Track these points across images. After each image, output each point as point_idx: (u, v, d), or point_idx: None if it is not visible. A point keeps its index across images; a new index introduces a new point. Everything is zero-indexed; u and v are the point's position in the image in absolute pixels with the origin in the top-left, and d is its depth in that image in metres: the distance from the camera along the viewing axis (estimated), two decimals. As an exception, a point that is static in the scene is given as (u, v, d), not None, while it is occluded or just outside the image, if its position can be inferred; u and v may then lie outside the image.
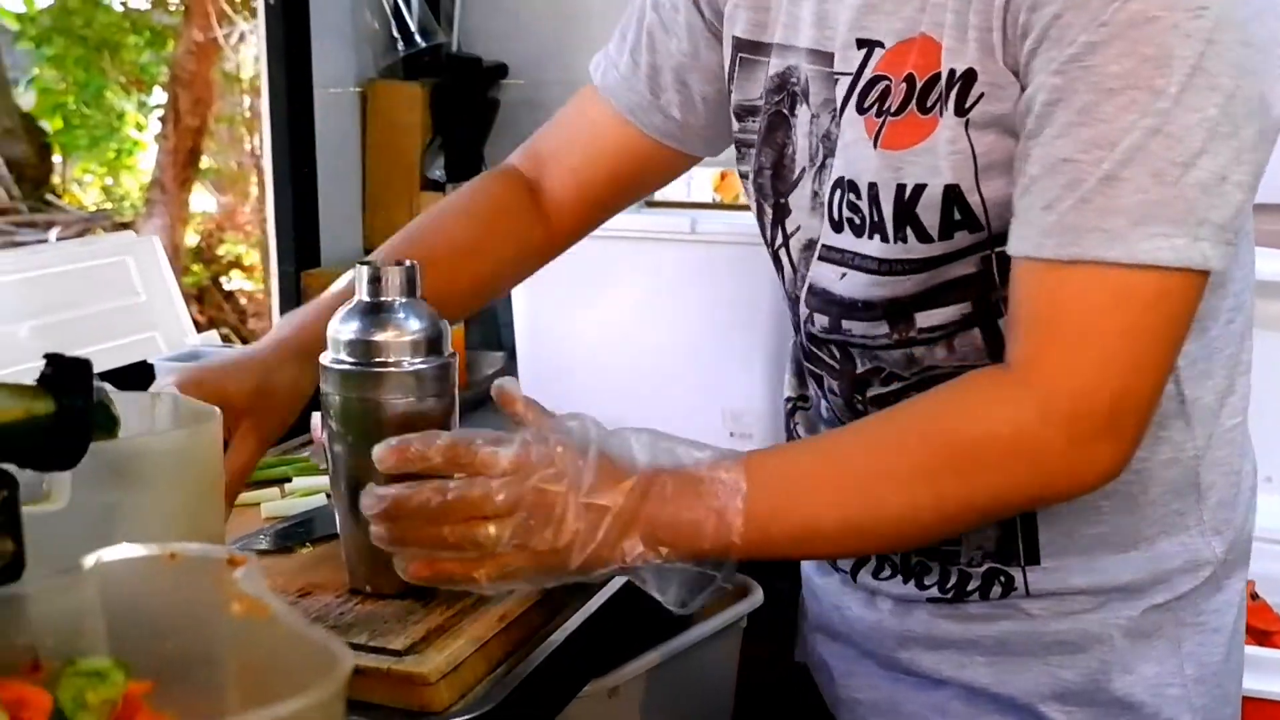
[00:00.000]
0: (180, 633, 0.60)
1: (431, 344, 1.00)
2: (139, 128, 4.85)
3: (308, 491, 1.33)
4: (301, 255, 1.93)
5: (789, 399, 1.15)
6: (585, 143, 1.18)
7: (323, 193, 1.98)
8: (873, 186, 0.92)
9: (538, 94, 2.21)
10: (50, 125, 4.68)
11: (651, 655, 1.42)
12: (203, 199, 4.79)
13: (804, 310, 1.02)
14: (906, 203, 0.91)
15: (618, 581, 1.20)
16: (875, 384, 0.99)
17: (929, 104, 0.89)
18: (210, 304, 4.50)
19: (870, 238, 0.94)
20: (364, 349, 0.99)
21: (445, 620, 1.00)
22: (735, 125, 1.06)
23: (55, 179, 4.79)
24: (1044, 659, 1.01)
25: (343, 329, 1.00)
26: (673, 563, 0.87)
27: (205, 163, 4.68)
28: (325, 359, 1.00)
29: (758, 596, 1.60)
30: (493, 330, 2.21)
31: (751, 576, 1.65)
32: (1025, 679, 1.01)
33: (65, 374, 0.65)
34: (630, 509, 0.85)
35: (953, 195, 0.89)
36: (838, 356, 1.01)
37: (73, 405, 0.64)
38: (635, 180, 1.19)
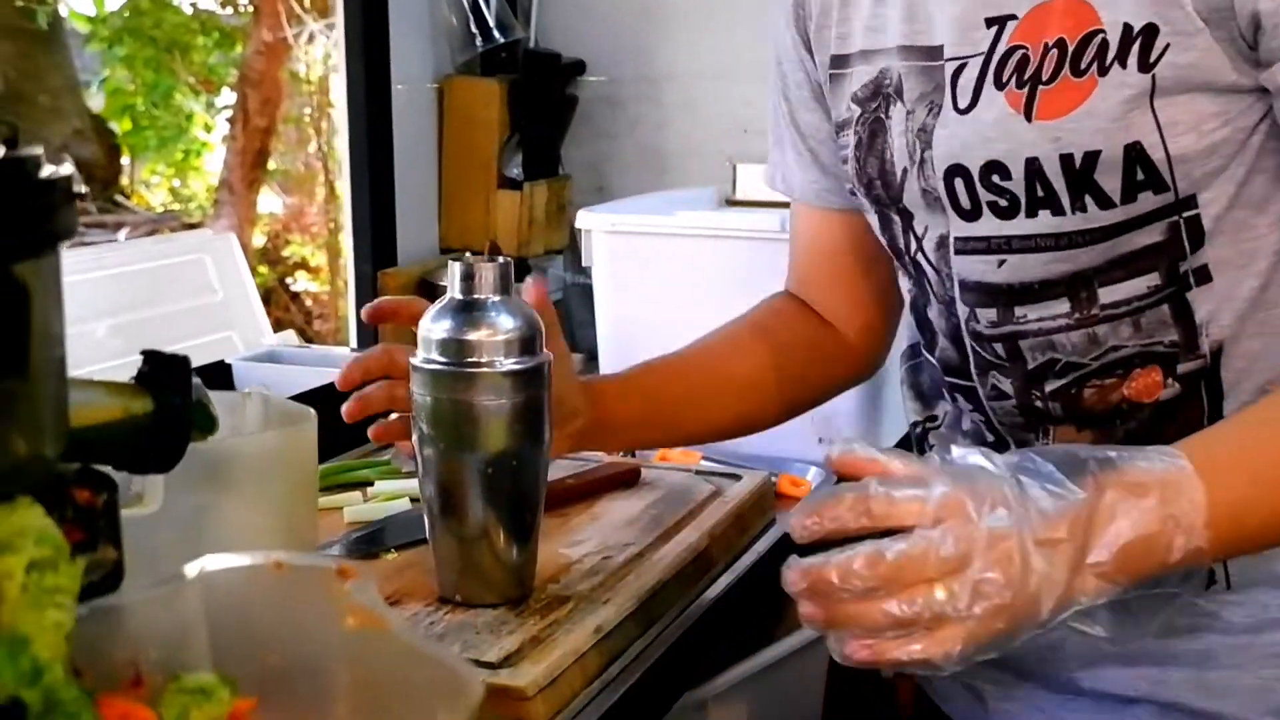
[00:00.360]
0: (287, 646, 0.57)
1: (525, 344, 0.96)
2: (207, 129, 4.89)
3: (390, 496, 1.30)
4: (378, 254, 1.90)
5: (915, 423, 1.10)
6: (819, 253, 1.17)
7: (399, 191, 1.96)
8: (1032, 162, 0.88)
9: (617, 91, 2.17)
10: (119, 126, 4.73)
11: (742, 667, 1.37)
12: (269, 200, 4.82)
13: (962, 309, 0.96)
14: (1079, 170, 0.86)
15: (716, 590, 1.16)
16: (1050, 377, 0.94)
17: (1083, 65, 0.85)
18: (277, 305, 4.52)
19: (1033, 215, 0.89)
20: (456, 348, 0.95)
21: (540, 631, 0.97)
22: (836, 143, 1.04)
23: (124, 180, 4.84)
24: (1256, 673, 0.94)
25: (434, 328, 0.96)
26: (1129, 590, 0.77)
27: (272, 164, 4.70)
28: (415, 359, 0.97)
29: (847, 607, 1.55)
30: (566, 332, 2.17)
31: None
32: (1235, 695, 0.94)
33: (163, 371, 0.61)
34: (1081, 538, 0.74)
35: (1134, 154, 0.85)
36: (1003, 354, 0.96)
37: (171, 404, 0.61)
38: (883, 254, 1.12)
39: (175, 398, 0.61)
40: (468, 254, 0.99)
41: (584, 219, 1.67)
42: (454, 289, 0.97)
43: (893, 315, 1.18)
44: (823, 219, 1.14)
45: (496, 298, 0.96)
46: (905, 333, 1.11)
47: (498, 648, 0.94)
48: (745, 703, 1.40)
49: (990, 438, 1.00)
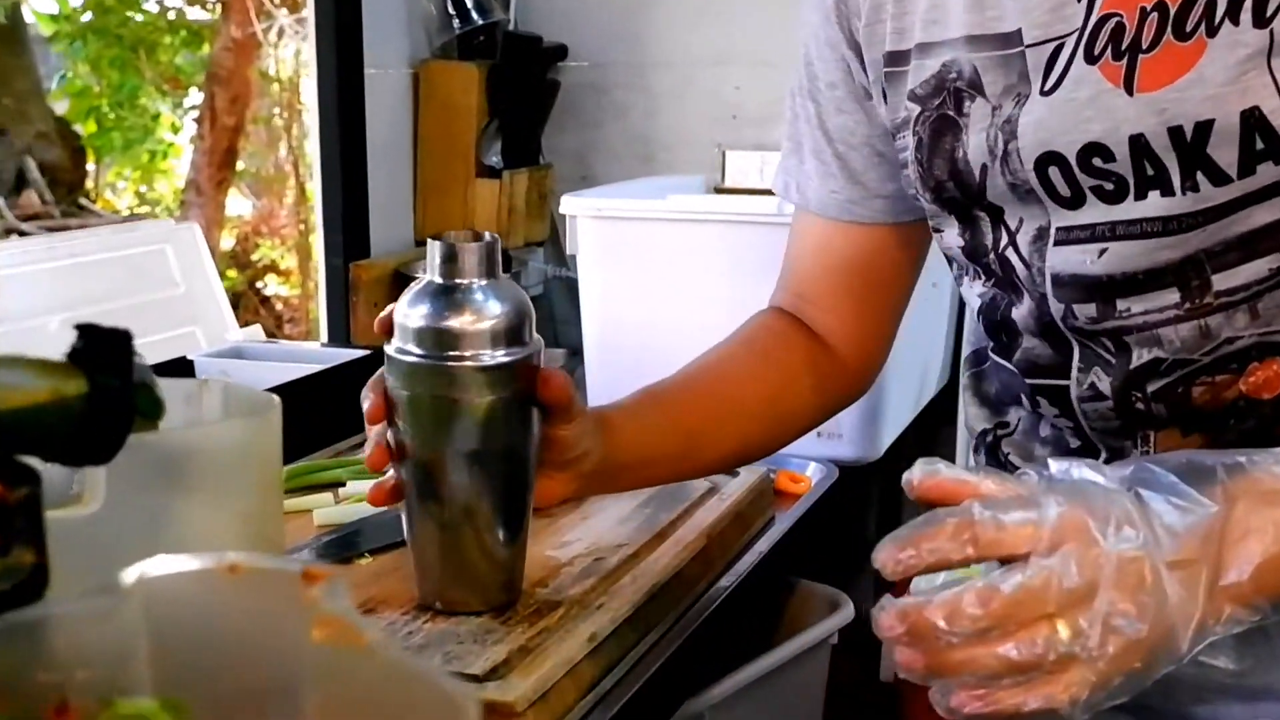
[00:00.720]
0: (244, 665, 0.49)
1: (513, 333, 0.87)
2: (174, 130, 4.79)
3: (363, 497, 1.22)
4: (350, 246, 1.82)
5: (984, 431, 1.01)
6: (825, 268, 1.07)
7: (372, 179, 1.88)
8: (1137, 139, 0.80)
9: (601, 77, 2.10)
10: (84, 129, 4.64)
11: (741, 674, 1.30)
12: (238, 203, 4.74)
13: (1056, 306, 0.88)
14: (1190, 144, 0.78)
15: (715, 593, 1.09)
16: (1154, 376, 0.85)
17: (1188, 28, 0.77)
18: (247, 308, 4.44)
19: (1141, 197, 0.81)
20: (437, 338, 0.86)
21: (529, 640, 0.91)
22: (894, 145, 0.96)
23: (89, 184, 4.75)
24: None
25: (411, 314, 0.87)
26: (1270, 615, 0.67)
27: (241, 165, 4.62)
28: (391, 348, 0.88)
29: (848, 611, 1.48)
30: (548, 326, 2.10)
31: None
32: None
33: (100, 348, 0.54)
34: (1214, 558, 0.65)
35: (1253, 121, 0.76)
36: (1111, 349, 0.87)
37: (109, 385, 0.53)
38: (894, 272, 1.06)
39: (113, 378, 0.53)
40: (450, 233, 0.89)
41: (568, 204, 1.59)
42: (434, 271, 0.87)
43: (890, 338, 1.10)
44: (836, 232, 1.04)
45: (481, 281, 0.87)
46: (968, 338, 1.03)
47: (484, 659, 0.87)
48: (744, 711, 1.33)
49: (1075, 443, 0.92)
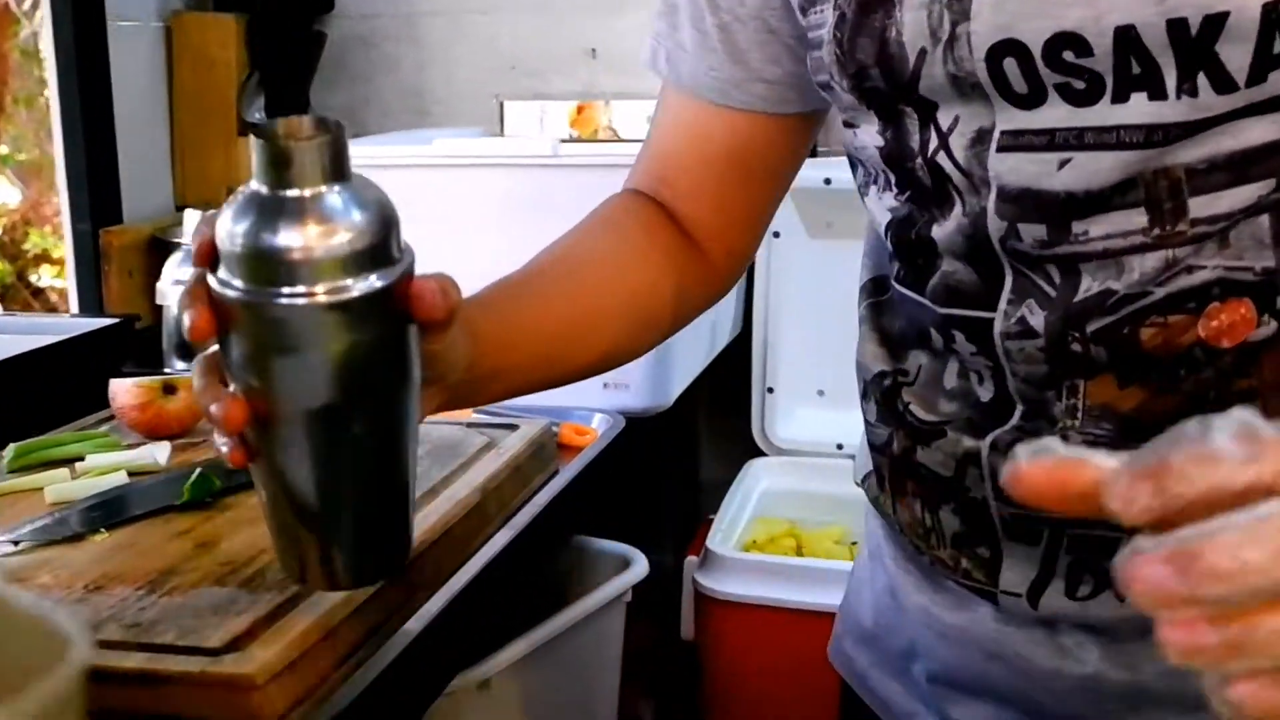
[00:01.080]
0: None
1: (379, 250, 0.65)
2: (-71, 113, 4.47)
3: (103, 470, 1.12)
4: (99, 210, 1.68)
5: (881, 373, 0.88)
6: (694, 154, 0.94)
7: (123, 140, 1.75)
8: (1125, 32, 0.67)
9: (370, 30, 2.01)
10: None
11: (528, 639, 1.23)
12: (4, 190, 4.45)
13: (996, 224, 0.74)
14: (1195, 40, 0.66)
15: (491, 550, 1.02)
16: (1098, 314, 0.73)
17: None
18: (16, 300, 4.17)
19: (1123, 99, 0.69)
20: (275, 270, 0.63)
21: (275, 608, 0.83)
22: (802, 21, 0.82)
23: None
24: None
25: (236, 231, 0.64)
26: None
27: (4, 150, 4.33)
28: (215, 281, 0.66)
29: (641, 567, 1.43)
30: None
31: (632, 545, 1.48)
32: None
33: None
34: None
35: (1274, 16, 0.65)
36: (1055, 279, 0.74)
37: None
38: (770, 165, 0.94)
39: None
40: (280, 121, 0.65)
41: (330, 154, 1.49)
42: (260, 179, 0.64)
43: (758, 236, 0.98)
44: (710, 116, 0.91)
45: (329, 188, 0.64)
46: (865, 263, 0.91)
47: (222, 630, 0.80)
48: (535, 676, 1.27)
49: (986, 395, 0.78)
